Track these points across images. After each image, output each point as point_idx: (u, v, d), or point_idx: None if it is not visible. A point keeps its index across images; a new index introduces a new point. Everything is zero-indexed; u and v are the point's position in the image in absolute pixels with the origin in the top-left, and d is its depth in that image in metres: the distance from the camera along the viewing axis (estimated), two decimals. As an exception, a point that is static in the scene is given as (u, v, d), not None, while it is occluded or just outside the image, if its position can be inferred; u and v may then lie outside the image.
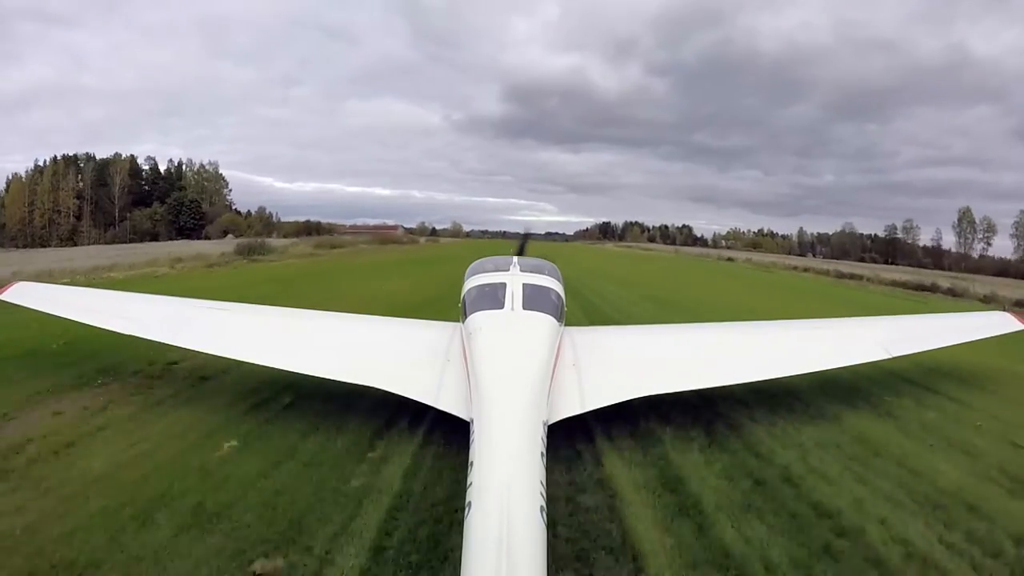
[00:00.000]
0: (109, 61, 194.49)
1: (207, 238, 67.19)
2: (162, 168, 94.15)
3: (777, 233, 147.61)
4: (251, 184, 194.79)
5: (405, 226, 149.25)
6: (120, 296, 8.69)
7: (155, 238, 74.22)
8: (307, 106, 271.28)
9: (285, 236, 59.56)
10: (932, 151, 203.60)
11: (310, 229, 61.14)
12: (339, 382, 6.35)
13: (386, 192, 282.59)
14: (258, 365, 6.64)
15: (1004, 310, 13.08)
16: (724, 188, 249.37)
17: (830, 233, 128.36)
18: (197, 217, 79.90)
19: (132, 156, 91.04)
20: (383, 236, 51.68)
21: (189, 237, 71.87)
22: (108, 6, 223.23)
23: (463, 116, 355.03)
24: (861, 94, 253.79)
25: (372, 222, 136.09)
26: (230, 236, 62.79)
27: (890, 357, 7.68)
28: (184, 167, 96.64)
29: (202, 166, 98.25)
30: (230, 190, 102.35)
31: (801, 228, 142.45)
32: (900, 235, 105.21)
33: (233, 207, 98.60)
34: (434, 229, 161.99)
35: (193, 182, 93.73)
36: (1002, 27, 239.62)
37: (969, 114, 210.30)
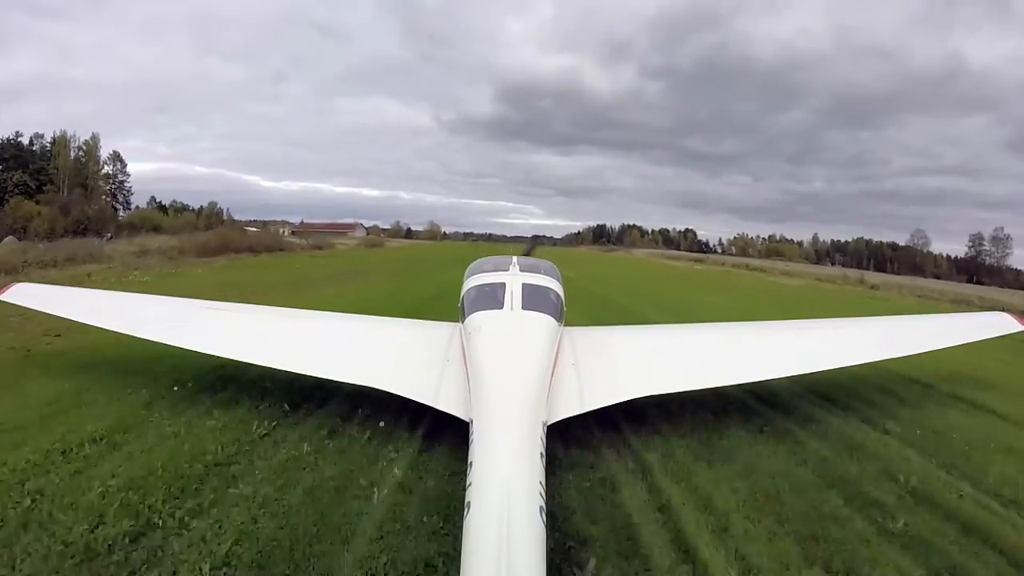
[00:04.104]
0: (97, 55, 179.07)
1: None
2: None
3: (793, 240, 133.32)
4: (239, 183, 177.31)
5: (382, 226, 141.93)
6: (120, 296, 8.80)
7: (-32, 239, 51.58)
8: (297, 104, 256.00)
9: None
10: (923, 160, 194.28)
11: (80, 227, 37.60)
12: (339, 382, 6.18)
13: (375, 193, 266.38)
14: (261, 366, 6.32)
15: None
16: (713, 193, 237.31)
17: (847, 241, 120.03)
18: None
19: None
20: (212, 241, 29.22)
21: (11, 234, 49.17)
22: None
23: (454, 116, 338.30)
24: (856, 101, 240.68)
25: (346, 220, 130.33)
26: (10, 239, 40.24)
27: (889, 357, 7.53)
28: (62, 143, 73.67)
29: (85, 143, 75.36)
30: (128, 174, 79.41)
31: (816, 235, 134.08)
32: (988, 247, 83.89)
33: (123, 204, 75.88)
34: (409, 230, 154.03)
35: (66, 163, 70.84)
36: (1000, 36, 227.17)
37: (962, 123, 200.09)
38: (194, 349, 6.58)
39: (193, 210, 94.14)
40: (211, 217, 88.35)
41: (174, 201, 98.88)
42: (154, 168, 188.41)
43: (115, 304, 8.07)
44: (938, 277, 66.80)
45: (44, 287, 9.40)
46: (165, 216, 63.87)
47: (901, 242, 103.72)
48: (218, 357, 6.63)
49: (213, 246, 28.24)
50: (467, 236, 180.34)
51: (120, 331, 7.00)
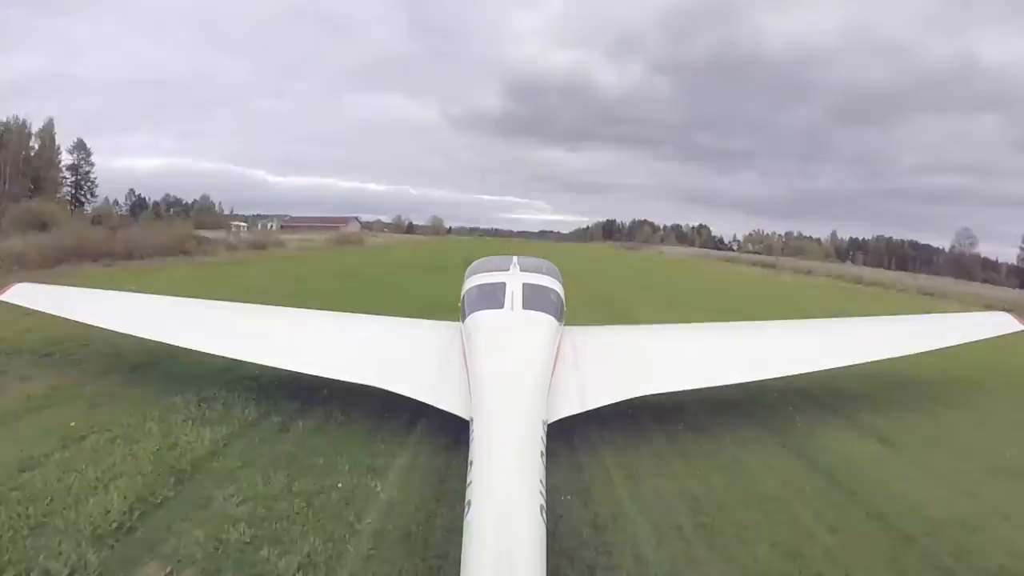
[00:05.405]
0: (101, 50, 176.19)
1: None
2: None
3: (812, 236, 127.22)
4: (245, 178, 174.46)
5: (385, 220, 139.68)
6: (121, 296, 8.73)
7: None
8: (303, 99, 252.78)
9: None
10: (933, 158, 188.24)
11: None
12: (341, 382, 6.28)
13: (381, 188, 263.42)
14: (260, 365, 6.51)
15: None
16: (721, 190, 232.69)
17: (866, 239, 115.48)
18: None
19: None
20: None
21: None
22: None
23: (461, 112, 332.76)
24: (866, 99, 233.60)
25: (340, 215, 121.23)
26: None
27: (890, 357, 7.50)
28: (17, 132, 66.33)
29: (42, 128, 67.63)
30: (93, 164, 70.87)
31: (834, 232, 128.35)
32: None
33: (87, 198, 69.21)
34: (411, 224, 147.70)
35: (15, 154, 63.94)
36: (1014, 35, 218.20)
37: (974, 122, 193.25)
38: (197, 348, 6.65)
39: (186, 204, 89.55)
40: (202, 212, 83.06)
41: (167, 195, 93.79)
42: (162, 164, 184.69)
43: (116, 304, 8.09)
44: (986, 281, 59.86)
45: (46, 287, 9.40)
46: (67, 211, 54.58)
47: (921, 240, 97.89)
48: (221, 356, 6.67)
49: (68, 251, 21.61)
50: (473, 231, 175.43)
51: (123, 331, 7.09)
